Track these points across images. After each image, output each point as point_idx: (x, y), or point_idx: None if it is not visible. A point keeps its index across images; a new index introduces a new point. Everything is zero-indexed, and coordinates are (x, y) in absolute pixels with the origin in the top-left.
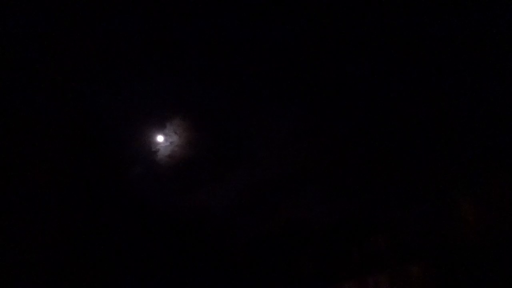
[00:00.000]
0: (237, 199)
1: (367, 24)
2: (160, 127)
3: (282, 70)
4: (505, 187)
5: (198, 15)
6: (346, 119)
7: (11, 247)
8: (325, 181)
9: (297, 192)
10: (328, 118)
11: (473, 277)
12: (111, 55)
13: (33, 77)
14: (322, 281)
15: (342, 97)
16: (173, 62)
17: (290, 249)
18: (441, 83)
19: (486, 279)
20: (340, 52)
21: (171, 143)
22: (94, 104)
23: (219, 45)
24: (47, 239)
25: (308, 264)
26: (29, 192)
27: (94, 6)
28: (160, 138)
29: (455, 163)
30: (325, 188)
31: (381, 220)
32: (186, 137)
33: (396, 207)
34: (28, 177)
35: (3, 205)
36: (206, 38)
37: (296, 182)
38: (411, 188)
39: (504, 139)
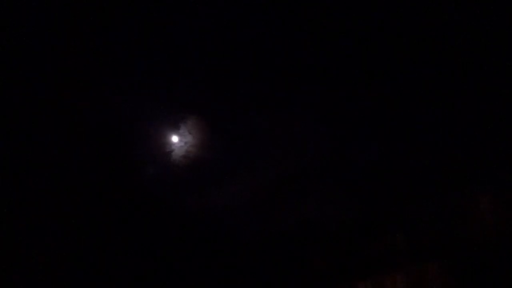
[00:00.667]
0: (250, 198)
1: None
2: (175, 128)
3: (294, 69)
4: None
5: (211, 16)
6: (359, 116)
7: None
8: (338, 179)
9: (310, 191)
10: (341, 116)
11: (492, 276)
12: (125, 57)
13: (48, 79)
14: (337, 280)
15: (355, 94)
16: (186, 63)
17: (303, 248)
18: (457, 78)
19: (505, 279)
20: (354, 49)
21: (185, 143)
22: (108, 106)
23: (231, 45)
24: (61, 240)
25: (322, 263)
26: (43, 191)
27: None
28: (174, 139)
29: (474, 160)
30: (339, 186)
31: (397, 218)
32: (200, 138)
33: (412, 205)
34: (42, 176)
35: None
36: (218, 38)
37: (309, 181)
38: (428, 186)
39: None
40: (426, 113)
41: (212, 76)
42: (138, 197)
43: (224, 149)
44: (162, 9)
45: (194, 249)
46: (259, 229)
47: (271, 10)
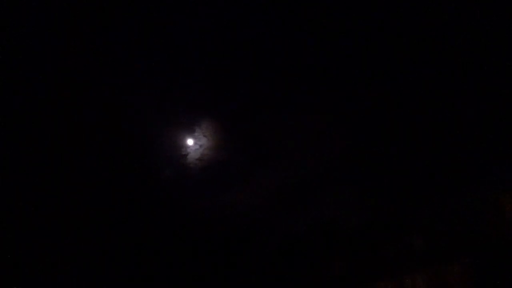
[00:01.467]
0: (266, 200)
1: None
2: (190, 131)
3: (312, 69)
4: None
5: (224, 17)
6: (377, 114)
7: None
8: (355, 179)
9: (327, 192)
10: (358, 115)
11: None
12: (139, 58)
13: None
14: (357, 281)
15: (371, 94)
16: (199, 64)
17: (321, 249)
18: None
19: None
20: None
21: (200, 146)
22: (123, 109)
23: (244, 45)
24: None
25: (341, 265)
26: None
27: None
28: (190, 142)
29: (496, 158)
30: (356, 186)
31: (417, 218)
32: (216, 140)
33: (431, 204)
34: (56, 178)
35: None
36: (230, 38)
37: (325, 182)
38: (448, 185)
39: None
40: (444, 112)
41: (226, 77)
42: (153, 200)
43: (239, 151)
44: (173, 11)
45: (211, 252)
46: (276, 232)
47: (284, 7)
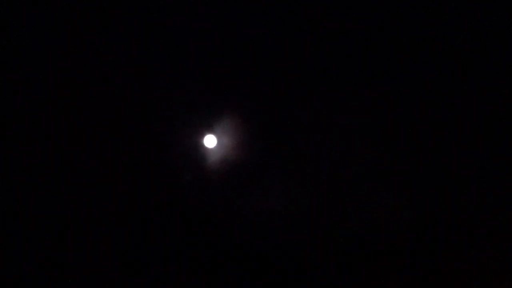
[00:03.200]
0: (300, 203)
1: None
2: (209, 129)
3: (340, 55)
4: None
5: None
6: (425, 105)
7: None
8: (404, 177)
9: (370, 192)
10: (401, 105)
11: None
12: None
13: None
14: None
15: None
16: (216, 57)
17: (368, 258)
18: None
19: None
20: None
21: (222, 145)
22: (140, 107)
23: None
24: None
25: (395, 281)
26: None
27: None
28: (210, 142)
29: None
30: (405, 185)
31: (475, 225)
32: (239, 138)
33: (494, 209)
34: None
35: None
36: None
37: (368, 180)
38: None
39: None
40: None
41: (246, 68)
42: (175, 205)
43: (265, 149)
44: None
45: (241, 264)
46: (313, 237)
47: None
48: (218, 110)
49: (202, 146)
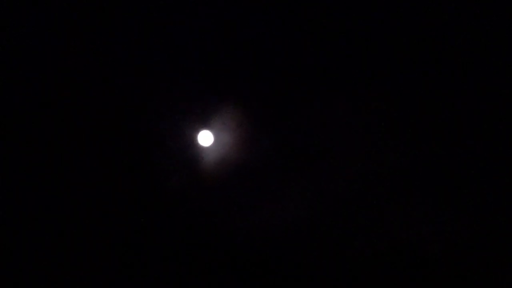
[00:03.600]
0: (312, 216)
1: None
2: (206, 124)
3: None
4: None
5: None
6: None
7: None
8: (437, 186)
9: (399, 204)
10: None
11: None
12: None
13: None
14: None
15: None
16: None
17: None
18: None
19: None
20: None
21: (221, 144)
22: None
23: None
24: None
25: None
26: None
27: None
28: (206, 139)
29: None
30: (439, 196)
31: None
32: (241, 136)
33: None
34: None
35: None
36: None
37: (395, 190)
38: None
39: None
40: None
41: (250, 55)
42: (162, 216)
43: (271, 150)
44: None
45: (241, 282)
46: (329, 257)
47: None
48: (215, 101)
49: (196, 144)
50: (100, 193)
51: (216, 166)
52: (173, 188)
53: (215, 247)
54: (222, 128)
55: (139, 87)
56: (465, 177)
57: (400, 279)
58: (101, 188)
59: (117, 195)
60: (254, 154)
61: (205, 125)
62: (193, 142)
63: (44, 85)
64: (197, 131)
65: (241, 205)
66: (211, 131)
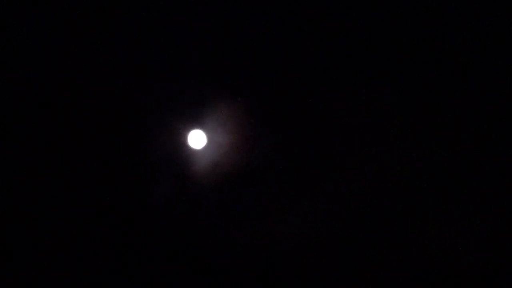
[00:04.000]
0: (317, 223)
1: None
2: (198, 124)
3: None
4: None
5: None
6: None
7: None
8: (466, 198)
9: (423, 218)
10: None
11: None
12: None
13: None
14: None
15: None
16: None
17: None
18: None
19: None
20: None
21: (214, 147)
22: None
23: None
24: None
25: None
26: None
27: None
28: (197, 142)
29: None
30: (469, 209)
31: None
32: (239, 139)
33: None
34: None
35: None
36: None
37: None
38: None
39: None
40: None
41: (251, 49)
42: (150, 225)
43: (271, 152)
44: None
45: None
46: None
47: None
48: (208, 98)
49: (187, 145)
50: (83, 197)
51: (209, 171)
52: (159, 196)
53: (203, 260)
54: (217, 128)
55: (131, 85)
56: (492, 181)
57: None
58: (83, 192)
59: (98, 203)
60: (252, 157)
61: (197, 123)
62: (183, 143)
63: (41, 85)
64: (188, 130)
65: (236, 214)
66: (203, 130)
